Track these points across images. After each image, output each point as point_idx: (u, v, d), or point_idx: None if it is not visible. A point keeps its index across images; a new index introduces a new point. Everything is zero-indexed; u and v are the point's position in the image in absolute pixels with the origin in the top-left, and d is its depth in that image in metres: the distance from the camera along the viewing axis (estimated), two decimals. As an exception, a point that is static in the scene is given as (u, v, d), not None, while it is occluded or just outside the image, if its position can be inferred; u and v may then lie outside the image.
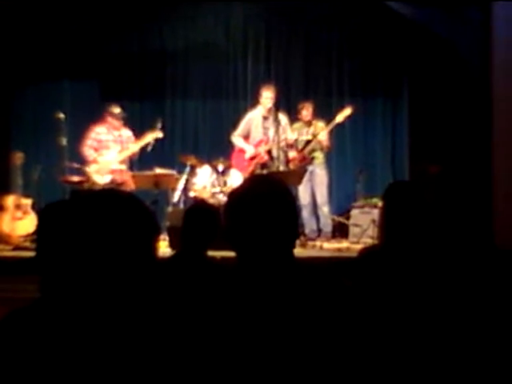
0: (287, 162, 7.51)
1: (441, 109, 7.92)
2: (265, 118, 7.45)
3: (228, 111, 8.94)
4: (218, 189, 7.24)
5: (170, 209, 7.22)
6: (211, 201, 6.85)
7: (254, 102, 7.79)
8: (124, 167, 7.38)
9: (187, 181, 7.38)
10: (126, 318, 1.42)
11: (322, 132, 7.48)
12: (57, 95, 8.79)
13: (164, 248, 5.89)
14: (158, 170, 7.07)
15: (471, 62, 7.27)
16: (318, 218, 7.73)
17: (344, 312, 1.57)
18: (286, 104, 8.24)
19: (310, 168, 7.54)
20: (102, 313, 1.40)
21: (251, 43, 9.03)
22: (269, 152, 7.38)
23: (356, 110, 7.57)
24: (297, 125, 7.68)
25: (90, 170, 7.22)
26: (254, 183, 1.74)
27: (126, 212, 1.46)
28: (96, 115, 7.54)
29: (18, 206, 7.35)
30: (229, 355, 1.50)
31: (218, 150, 8.02)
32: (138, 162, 7.67)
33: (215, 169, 7.39)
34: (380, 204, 2.94)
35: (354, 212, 7.70)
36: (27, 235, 7.09)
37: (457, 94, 7.53)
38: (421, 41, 8.07)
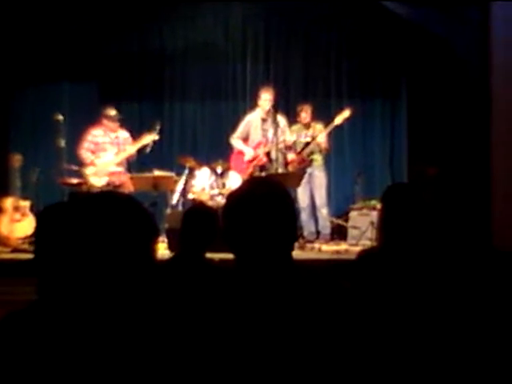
0: (286, 164, 7.51)
1: (439, 110, 7.92)
2: (263, 120, 7.44)
3: (227, 113, 8.94)
4: (216, 191, 7.24)
5: (168, 211, 7.23)
6: (210, 203, 6.84)
7: (253, 104, 7.79)
8: (121, 169, 7.38)
9: (186, 183, 7.39)
10: (125, 321, 1.42)
11: (320, 134, 7.48)
12: (56, 97, 8.79)
13: (163, 250, 5.89)
14: (157, 172, 7.08)
15: (470, 63, 7.27)
16: (316, 220, 7.73)
17: (343, 314, 1.57)
18: (285, 106, 8.25)
19: (308, 170, 7.54)
20: (100, 315, 1.40)
21: (250, 43, 9.03)
22: (267, 154, 7.37)
23: (354, 111, 7.58)
24: (295, 127, 7.68)
25: (88, 172, 7.22)
26: (252, 185, 1.74)
27: (124, 214, 1.46)
28: (95, 117, 7.53)
29: (16, 208, 7.35)
30: (227, 357, 1.50)
31: (217, 151, 8.02)
32: (137, 163, 7.67)
33: (214, 171, 7.39)
34: (378, 206, 2.94)
35: (353, 214, 7.70)
36: (25, 237, 7.08)
37: (455, 94, 7.53)
38: (419, 41, 8.07)
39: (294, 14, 8.68)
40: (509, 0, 6.80)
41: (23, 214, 7.34)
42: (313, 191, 7.64)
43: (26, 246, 6.74)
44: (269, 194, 1.63)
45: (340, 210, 8.27)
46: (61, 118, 7.25)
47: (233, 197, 1.69)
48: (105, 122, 7.32)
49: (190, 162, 7.50)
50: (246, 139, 7.54)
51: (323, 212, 7.62)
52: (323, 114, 7.90)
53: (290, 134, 7.50)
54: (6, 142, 8.63)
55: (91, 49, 8.74)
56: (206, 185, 7.30)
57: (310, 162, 7.59)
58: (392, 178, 8.74)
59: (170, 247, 6.03)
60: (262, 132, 7.43)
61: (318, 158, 7.62)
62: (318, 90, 8.91)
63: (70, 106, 8.65)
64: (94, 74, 8.89)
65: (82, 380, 1.34)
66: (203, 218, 3.04)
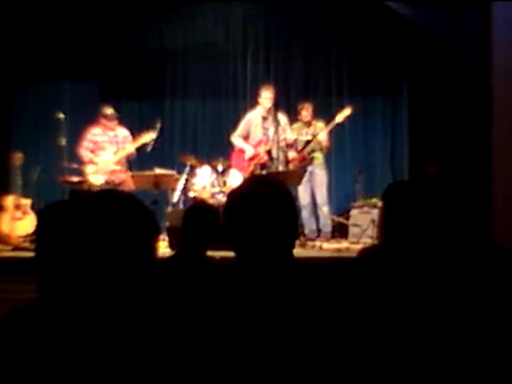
0: (287, 162, 7.51)
1: (440, 109, 7.91)
2: (264, 119, 7.44)
3: (227, 111, 8.94)
4: (217, 189, 7.24)
5: (169, 209, 7.22)
6: (211, 201, 6.85)
7: (254, 102, 7.78)
8: (121, 167, 7.39)
9: (187, 181, 7.38)
10: (125, 319, 1.42)
11: (321, 132, 7.48)
12: (56, 95, 8.78)
13: (164, 248, 5.89)
14: (158, 171, 7.08)
15: (471, 62, 7.27)
16: (317, 219, 7.73)
17: (344, 312, 1.57)
18: (286, 104, 8.24)
19: (309, 168, 7.54)
20: (100, 313, 1.40)
21: (251, 43, 9.02)
22: (268, 152, 7.37)
23: (355, 109, 7.57)
24: (296, 125, 7.67)
25: (88, 170, 7.23)
26: (253, 183, 1.74)
27: (125, 212, 1.46)
28: (95, 116, 7.53)
29: (17, 207, 7.35)
30: (228, 355, 1.50)
31: (218, 150, 8.01)
32: (138, 162, 7.67)
33: (215, 169, 7.39)
34: (379, 204, 2.94)
35: (354, 212, 7.70)
36: (26, 235, 7.08)
37: (456, 93, 7.53)
38: (420, 41, 8.07)
39: (294, 13, 8.67)
40: (510, 0, 6.79)
41: (24, 212, 7.34)
42: (314, 189, 7.64)
43: (26, 244, 6.75)
44: (270, 192, 1.63)
45: (341, 208, 8.27)
46: (62, 116, 7.26)
47: (234, 195, 1.69)
48: (102, 120, 7.33)
49: (191, 160, 7.50)
50: (246, 137, 7.54)
51: (324, 210, 7.62)
52: (324, 112, 7.90)
53: (290, 132, 7.50)
54: (7, 140, 8.63)
55: (92, 48, 8.74)
56: (206, 183, 7.30)
57: (311, 160, 7.59)
58: (393, 176, 8.73)
59: (171, 245, 6.03)
60: (262, 130, 7.43)
61: (318, 156, 7.62)
62: (319, 88, 8.91)
63: (71, 104, 8.65)
64: (95, 73, 8.88)
65: (83, 378, 1.34)
66: (204, 216, 3.03)
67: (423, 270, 2.33)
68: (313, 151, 7.57)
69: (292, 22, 8.84)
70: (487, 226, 6.18)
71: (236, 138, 7.59)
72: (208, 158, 7.79)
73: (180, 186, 7.35)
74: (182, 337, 1.50)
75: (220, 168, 7.38)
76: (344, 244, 7.21)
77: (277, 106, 7.36)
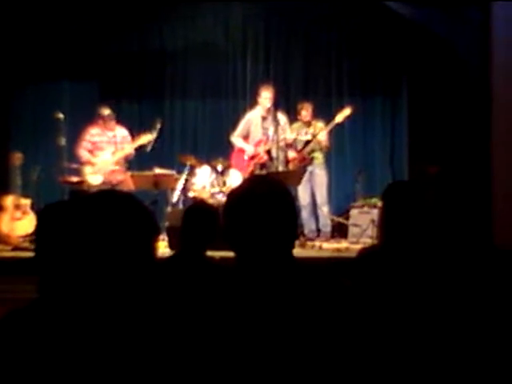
0: (287, 162, 7.51)
1: (440, 109, 7.92)
2: (264, 118, 7.44)
3: (227, 111, 8.94)
4: (217, 189, 7.24)
5: (169, 209, 7.22)
6: (210, 201, 6.84)
7: (253, 102, 7.79)
8: (118, 168, 7.38)
9: (186, 181, 7.38)
10: (125, 319, 1.42)
11: (321, 132, 7.48)
12: (56, 95, 8.78)
13: (163, 248, 5.89)
14: (158, 170, 7.08)
15: (470, 62, 7.27)
16: (317, 218, 7.74)
17: (343, 312, 1.57)
18: (286, 104, 8.24)
19: (309, 168, 7.54)
20: (100, 313, 1.40)
21: (250, 43, 9.02)
22: (268, 152, 7.37)
23: (355, 109, 7.57)
24: (296, 125, 7.67)
25: (85, 171, 7.24)
26: (253, 183, 1.74)
27: (125, 212, 1.46)
28: (95, 116, 7.53)
29: (17, 207, 7.34)
30: (228, 355, 1.50)
31: (218, 149, 8.01)
32: (138, 162, 7.68)
33: (214, 169, 7.39)
34: (379, 204, 2.94)
35: (354, 212, 7.70)
36: (26, 235, 7.08)
37: (456, 94, 7.53)
38: (420, 41, 8.07)
39: (294, 13, 8.67)
40: (509, 0, 6.79)
41: (24, 212, 7.34)
42: (313, 189, 7.64)
43: (26, 244, 6.74)
44: (269, 192, 1.63)
45: (341, 208, 8.27)
46: (61, 116, 7.26)
47: (233, 195, 1.69)
48: (100, 121, 7.34)
49: (191, 160, 7.50)
50: (246, 137, 7.54)
51: (324, 210, 7.62)
52: (324, 112, 7.90)
53: (290, 132, 7.50)
54: (6, 140, 8.63)
55: (91, 48, 8.73)
56: (206, 183, 7.30)
57: (311, 160, 7.59)
58: (393, 176, 8.74)
59: (171, 245, 6.03)
60: (262, 130, 7.43)
61: (318, 156, 7.62)
62: (319, 88, 8.90)
63: (71, 104, 8.65)
64: (95, 73, 8.88)
65: (83, 378, 1.34)
66: (204, 216, 3.03)
67: (423, 270, 2.33)
68: (312, 151, 7.57)
69: (292, 22, 8.84)
70: (487, 225, 6.17)
71: (236, 138, 7.59)
72: (208, 157, 7.79)
73: (180, 185, 7.35)
74: (181, 337, 1.50)
75: (220, 168, 7.37)
76: (344, 244, 7.21)
77: (276, 105, 7.37)
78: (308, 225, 7.67)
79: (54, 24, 8.20)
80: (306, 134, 7.59)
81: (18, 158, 7.58)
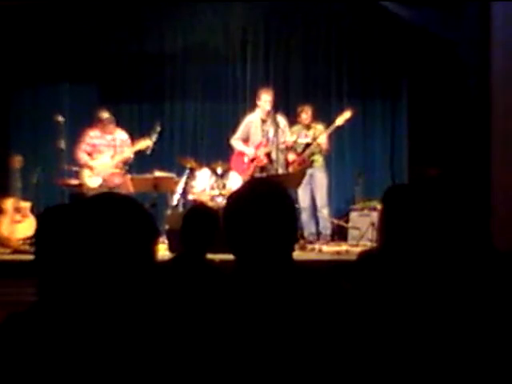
0: (286, 165, 7.51)
1: (440, 111, 7.92)
2: (263, 121, 7.44)
3: (227, 113, 8.94)
4: (217, 192, 7.24)
5: (169, 212, 7.22)
6: (210, 204, 6.84)
7: (253, 104, 7.78)
8: (117, 170, 7.37)
9: (186, 184, 7.38)
10: (125, 322, 1.42)
11: (321, 135, 7.48)
12: (56, 98, 8.78)
13: (163, 251, 5.88)
14: (157, 173, 7.08)
15: (470, 64, 7.27)
16: (317, 221, 7.73)
17: (343, 315, 1.57)
18: (285, 107, 8.23)
19: (309, 171, 7.53)
20: (100, 316, 1.40)
21: (250, 44, 9.00)
22: (268, 155, 7.37)
23: (355, 112, 7.58)
24: (296, 127, 7.67)
25: (84, 173, 7.23)
26: (253, 186, 1.74)
27: (124, 215, 1.46)
28: (95, 118, 7.53)
29: (16, 209, 7.34)
30: (228, 358, 1.50)
31: (217, 152, 8.02)
32: (137, 164, 7.67)
33: (214, 171, 7.39)
34: (379, 207, 2.94)
35: (353, 215, 7.70)
36: (26, 238, 7.08)
37: (456, 95, 7.53)
38: (419, 42, 8.08)
39: (293, 16, 8.68)
40: (509, 0, 6.79)
41: (24, 215, 7.34)
42: (313, 192, 7.64)
43: (26, 247, 6.74)
44: (269, 195, 1.63)
45: (340, 211, 8.27)
46: (61, 119, 7.26)
47: (233, 198, 1.69)
48: (100, 124, 7.33)
49: (191, 163, 7.50)
50: (246, 140, 7.54)
51: (324, 213, 7.62)
52: (324, 115, 7.91)
53: (290, 135, 7.50)
54: (6, 143, 8.63)
55: (91, 50, 8.72)
56: (206, 185, 7.30)
57: (311, 162, 7.59)
58: (392, 178, 8.74)
59: (171, 248, 6.02)
60: (262, 133, 7.43)
61: (318, 159, 7.62)
62: (319, 90, 8.90)
63: (70, 107, 8.65)
64: (94, 75, 8.87)
65: (83, 381, 1.34)
66: (204, 218, 3.03)
67: (423, 273, 2.33)
68: (312, 154, 7.57)
69: (291, 25, 8.84)
70: (487, 228, 6.17)
71: (235, 141, 7.58)
72: (207, 160, 7.78)
73: (179, 188, 7.34)
74: (181, 339, 1.50)
75: (219, 171, 7.37)
76: (343, 247, 7.20)
77: (276, 108, 7.37)
78: (308, 227, 7.67)
79: (53, 26, 8.22)
80: (306, 136, 7.59)
81: (17, 160, 7.58)
